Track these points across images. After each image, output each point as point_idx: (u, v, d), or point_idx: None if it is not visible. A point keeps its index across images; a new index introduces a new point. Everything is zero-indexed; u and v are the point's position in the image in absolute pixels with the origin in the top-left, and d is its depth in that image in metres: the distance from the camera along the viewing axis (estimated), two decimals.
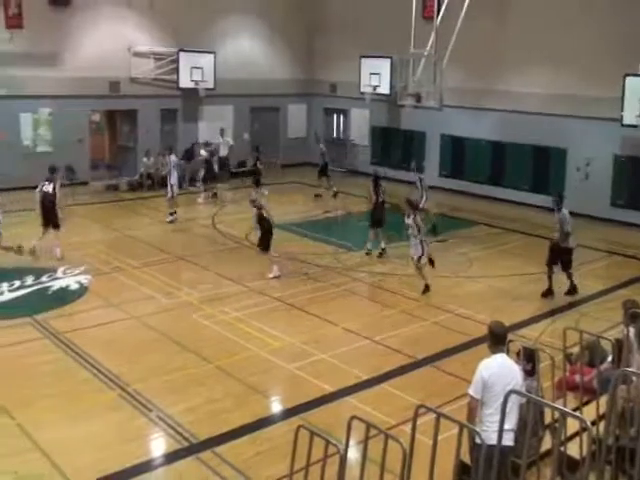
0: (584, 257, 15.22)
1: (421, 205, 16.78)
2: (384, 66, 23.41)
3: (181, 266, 14.96)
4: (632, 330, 7.46)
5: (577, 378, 7.94)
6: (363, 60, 23.95)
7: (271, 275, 13.88)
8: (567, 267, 13.04)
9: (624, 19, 18.43)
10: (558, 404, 6.55)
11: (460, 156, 23.05)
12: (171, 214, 18.37)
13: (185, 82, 23.49)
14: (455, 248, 16.58)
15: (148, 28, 23.29)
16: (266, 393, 9.40)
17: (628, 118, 17.88)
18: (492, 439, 5.62)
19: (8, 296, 12.61)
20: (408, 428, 5.78)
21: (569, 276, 13.13)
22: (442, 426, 5.37)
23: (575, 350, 8.67)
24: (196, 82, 23.58)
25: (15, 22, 19.96)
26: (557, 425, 6.12)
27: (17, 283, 13.12)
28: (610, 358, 8.18)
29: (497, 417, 5.62)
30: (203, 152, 22.76)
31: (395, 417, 8.17)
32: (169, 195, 18.36)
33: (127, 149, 24.41)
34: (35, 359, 10.00)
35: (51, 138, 21.64)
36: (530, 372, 7.09)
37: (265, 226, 14.04)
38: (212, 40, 24.19)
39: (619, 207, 19.31)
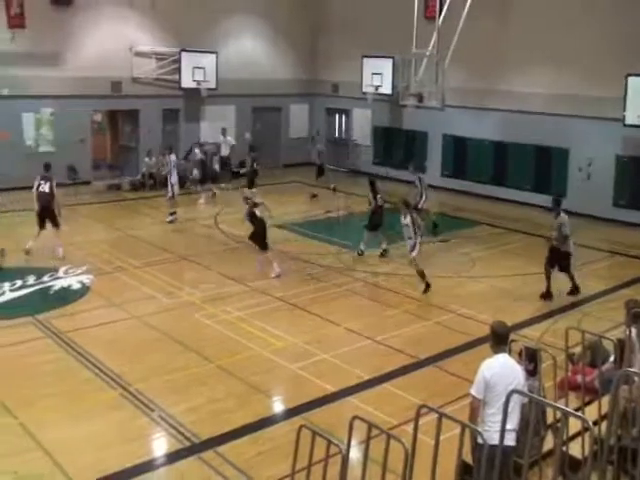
0: (586, 257, 15.22)
1: (420, 205, 16.82)
2: (386, 66, 23.42)
3: (183, 266, 14.96)
4: (634, 330, 7.44)
5: (579, 378, 7.93)
6: (365, 60, 23.98)
7: (273, 275, 13.88)
8: (566, 270, 13.04)
9: (626, 19, 18.41)
10: (560, 404, 6.53)
11: (462, 156, 23.03)
12: (171, 214, 18.33)
13: (187, 82, 23.47)
14: (457, 248, 16.58)
15: (150, 28, 23.30)
16: (268, 393, 9.40)
17: (630, 118, 17.89)
18: (494, 439, 5.61)
19: (10, 296, 12.61)
20: (410, 428, 5.78)
21: (571, 277, 13.12)
22: (444, 426, 5.36)
23: (577, 350, 8.66)
24: (198, 82, 23.57)
25: (17, 22, 20.00)
26: (559, 425, 6.12)
27: (19, 283, 13.12)
28: (612, 358, 8.16)
29: (499, 417, 5.62)
30: (197, 152, 22.72)
31: (397, 417, 8.16)
32: (169, 195, 18.36)
33: (129, 149, 24.43)
34: (37, 359, 10.00)
35: (53, 138, 21.64)
36: (532, 372, 7.08)
37: (255, 224, 14.03)
38: (214, 40, 24.20)
39: (621, 207, 19.28)
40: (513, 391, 5.64)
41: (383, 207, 15.75)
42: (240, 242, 15.90)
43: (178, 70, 23.33)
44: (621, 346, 7.32)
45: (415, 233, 13.19)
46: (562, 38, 19.52)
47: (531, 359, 7.16)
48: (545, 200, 18.22)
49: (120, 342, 10.79)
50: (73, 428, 8.12)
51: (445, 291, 13.34)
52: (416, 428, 5.49)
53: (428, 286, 13.17)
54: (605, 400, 6.82)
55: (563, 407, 5.95)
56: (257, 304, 12.46)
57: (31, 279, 13.36)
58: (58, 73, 21.29)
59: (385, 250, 15.57)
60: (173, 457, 7.69)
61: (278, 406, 9.27)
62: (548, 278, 12.97)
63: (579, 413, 6.18)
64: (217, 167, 23.61)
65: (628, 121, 17.94)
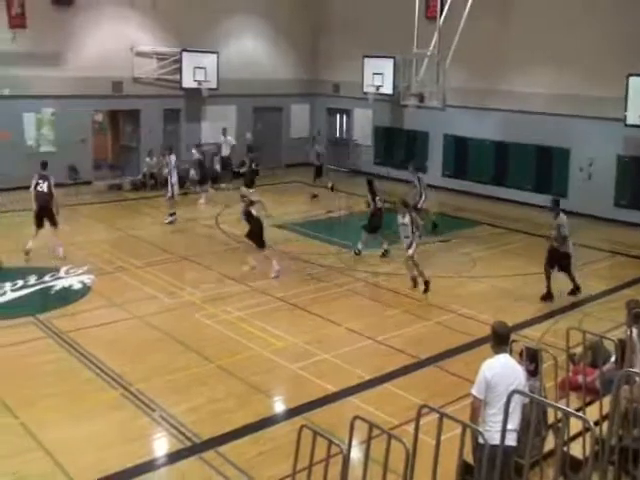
0: (587, 257, 15.22)
1: (420, 204, 16.82)
2: (387, 66, 23.42)
3: (184, 266, 14.96)
4: (635, 330, 7.44)
5: (580, 378, 7.93)
6: (366, 60, 23.97)
7: (273, 274, 13.88)
8: (566, 270, 13.03)
9: (627, 19, 18.41)
10: (561, 404, 6.53)
11: (463, 156, 23.02)
12: (171, 214, 18.28)
13: (188, 82, 23.46)
14: (458, 248, 16.58)
15: (151, 28, 23.31)
16: (269, 393, 9.40)
17: (631, 118, 17.88)
18: (495, 439, 5.61)
19: (11, 295, 12.61)
20: (411, 428, 5.78)
21: (572, 277, 13.12)
22: (445, 426, 5.37)
23: (578, 350, 8.65)
24: (199, 82, 23.55)
25: (18, 22, 19.99)
26: (560, 425, 6.12)
27: (20, 283, 13.12)
28: (613, 358, 8.15)
29: (500, 417, 5.62)
30: (195, 152, 22.70)
31: (398, 417, 8.17)
32: (169, 195, 18.33)
33: (130, 149, 24.43)
34: (38, 358, 10.01)
35: (54, 138, 21.65)
36: (533, 372, 7.08)
37: (252, 223, 14.03)
38: (215, 40, 24.20)
39: (622, 207, 19.28)
40: (514, 391, 5.64)
41: (382, 209, 15.75)
42: (241, 242, 15.86)
43: (179, 70, 23.31)
44: (622, 346, 7.32)
45: (413, 232, 13.19)
46: (563, 38, 19.52)
47: (532, 359, 7.16)
48: (546, 200, 18.23)
49: (121, 342, 10.79)
50: (74, 428, 8.12)
51: (446, 291, 13.34)
52: (417, 428, 5.49)
53: (427, 285, 13.17)
54: (606, 400, 6.81)
55: (564, 407, 5.94)
56: (257, 304, 12.46)
57: (32, 279, 13.36)
58: (59, 73, 21.29)
59: (386, 250, 15.56)
60: (174, 457, 7.69)
61: (279, 406, 9.26)
62: (548, 278, 12.96)
63: (580, 413, 6.18)
64: (218, 167, 23.59)
65: (629, 121, 17.94)
